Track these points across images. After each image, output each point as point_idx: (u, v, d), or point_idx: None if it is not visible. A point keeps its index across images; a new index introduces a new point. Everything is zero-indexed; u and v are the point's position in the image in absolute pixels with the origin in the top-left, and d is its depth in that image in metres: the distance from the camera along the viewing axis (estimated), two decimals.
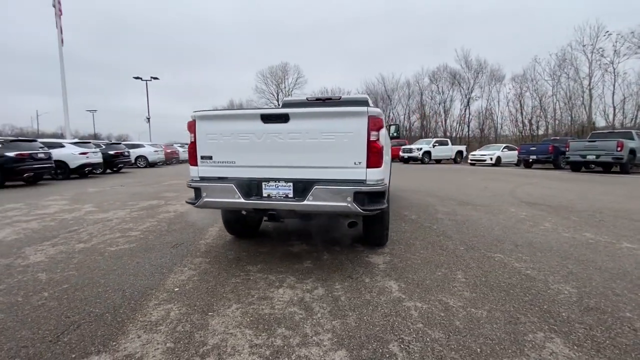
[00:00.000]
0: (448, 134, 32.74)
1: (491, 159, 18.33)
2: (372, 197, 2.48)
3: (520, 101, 29.90)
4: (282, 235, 3.88)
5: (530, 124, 29.39)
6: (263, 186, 2.63)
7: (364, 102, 4.54)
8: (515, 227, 4.13)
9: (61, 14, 16.56)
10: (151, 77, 29.79)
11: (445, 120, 34.72)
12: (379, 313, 2.02)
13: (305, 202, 2.46)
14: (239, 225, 3.54)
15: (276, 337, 1.77)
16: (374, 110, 2.44)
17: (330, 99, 4.64)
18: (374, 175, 2.47)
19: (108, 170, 14.58)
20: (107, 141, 20.73)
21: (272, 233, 3.98)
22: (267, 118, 2.52)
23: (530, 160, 15.85)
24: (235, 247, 3.40)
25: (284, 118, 2.50)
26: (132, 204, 6.03)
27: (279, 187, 2.60)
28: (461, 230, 3.99)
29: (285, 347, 1.68)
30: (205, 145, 2.70)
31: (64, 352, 1.64)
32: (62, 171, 11.58)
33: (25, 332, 1.81)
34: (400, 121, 36.90)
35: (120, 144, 17.16)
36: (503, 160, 18.55)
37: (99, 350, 1.66)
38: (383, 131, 2.52)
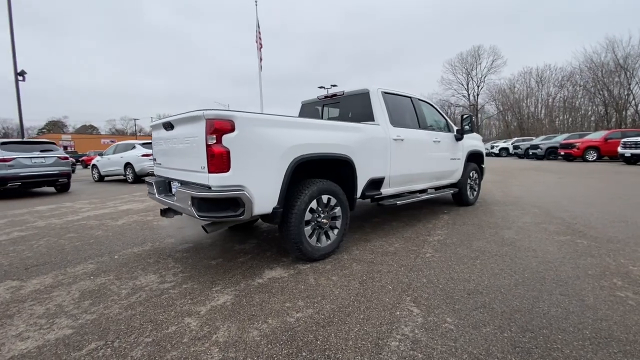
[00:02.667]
0: None
1: None
2: (212, 203, 2.38)
3: None
4: (261, 233, 4.07)
5: None
6: (172, 185, 3.04)
7: (363, 95, 3.90)
8: (569, 282, 2.43)
9: (261, 47, 22.17)
10: (331, 85, 34.43)
11: None
12: (158, 316, 2.04)
13: (172, 202, 2.70)
14: None
15: (78, 301, 2.23)
16: (212, 113, 2.32)
17: (335, 95, 4.28)
18: (218, 181, 2.35)
19: None
20: None
21: (261, 230, 4.24)
22: (165, 126, 2.91)
23: None
24: (212, 236, 3.95)
25: (170, 126, 2.81)
26: None
27: (176, 187, 2.93)
28: (456, 267, 2.78)
29: (65, 310, 2.11)
30: (154, 149, 3.41)
31: (15, 274, 2.79)
32: None
33: (30, 260, 3.16)
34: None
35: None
36: None
37: (24, 279, 2.70)
38: (231, 135, 2.33)
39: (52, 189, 9.42)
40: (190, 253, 3.30)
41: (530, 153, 21.13)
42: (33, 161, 7.97)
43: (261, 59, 22.20)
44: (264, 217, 2.69)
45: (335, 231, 3.12)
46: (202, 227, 2.64)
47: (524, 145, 22.65)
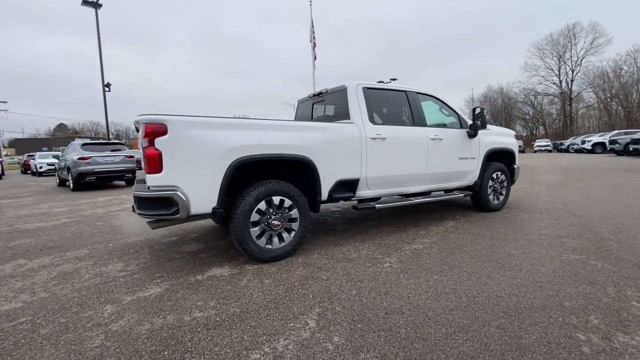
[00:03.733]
0: None
1: None
2: (147, 202, 2.55)
3: None
4: None
5: None
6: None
7: (341, 93, 3.70)
8: (524, 313, 1.99)
9: (315, 46, 22.49)
10: (390, 79, 33.30)
11: None
12: (89, 300, 2.30)
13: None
14: None
15: (49, 281, 2.64)
16: (145, 117, 2.48)
17: (321, 92, 4.14)
18: (152, 181, 2.52)
19: None
20: None
21: None
22: (136, 129, 3.20)
23: None
24: (198, 230, 4.24)
25: (137, 129, 3.08)
26: None
27: None
28: (403, 282, 2.51)
29: (34, 288, 2.52)
30: None
31: (30, 254, 3.41)
32: None
33: (50, 244, 3.81)
34: None
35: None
36: None
37: (31, 258, 3.28)
38: (163, 138, 2.47)
39: (123, 183, 11.13)
40: (169, 246, 3.60)
41: (631, 149, 17.34)
42: (105, 159, 9.53)
43: (315, 58, 22.50)
44: (210, 216, 2.79)
45: (292, 233, 3.06)
46: (147, 223, 2.86)
47: (624, 139, 18.68)
